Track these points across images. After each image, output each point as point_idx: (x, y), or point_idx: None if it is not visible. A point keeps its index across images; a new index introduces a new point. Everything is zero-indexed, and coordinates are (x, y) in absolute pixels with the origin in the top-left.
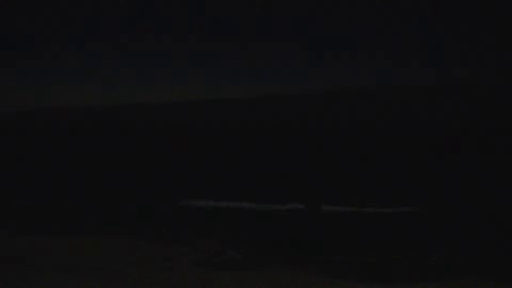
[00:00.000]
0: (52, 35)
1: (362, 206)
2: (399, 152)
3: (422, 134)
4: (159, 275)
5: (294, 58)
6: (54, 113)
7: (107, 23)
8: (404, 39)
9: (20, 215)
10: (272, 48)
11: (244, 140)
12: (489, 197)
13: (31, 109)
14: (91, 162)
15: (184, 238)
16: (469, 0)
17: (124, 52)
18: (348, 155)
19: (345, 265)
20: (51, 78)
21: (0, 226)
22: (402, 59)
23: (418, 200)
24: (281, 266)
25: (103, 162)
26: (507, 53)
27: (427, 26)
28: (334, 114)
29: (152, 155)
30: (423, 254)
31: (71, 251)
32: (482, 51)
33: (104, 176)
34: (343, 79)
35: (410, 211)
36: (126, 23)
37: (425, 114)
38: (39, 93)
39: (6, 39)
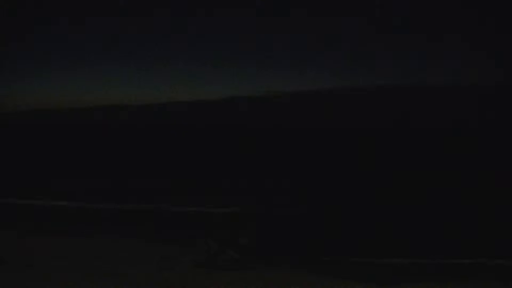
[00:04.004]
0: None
1: (363, 205)
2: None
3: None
4: (159, 275)
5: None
6: (55, 112)
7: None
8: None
9: (20, 215)
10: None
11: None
12: (491, 197)
13: (31, 109)
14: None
15: (184, 238)
16: None
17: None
18: (350, 155)
19: (345, 265)
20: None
21: (0, 226)
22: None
23: (417, 200)
24: (281, 266)
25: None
26: None
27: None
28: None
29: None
30: (423, 254)
31: (71, 251)
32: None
33: (106, 176)
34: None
35: (409, 211)
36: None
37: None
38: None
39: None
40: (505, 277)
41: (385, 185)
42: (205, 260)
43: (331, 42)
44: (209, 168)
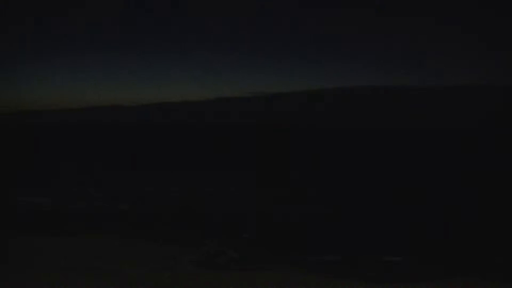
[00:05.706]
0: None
1: (362, 206)
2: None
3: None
4: (159, 275)
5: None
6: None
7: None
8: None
9: (20, 215)
10: None
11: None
12: (491, 197)
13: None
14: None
15: (184, 238)
16: None
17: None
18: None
19: (345, 265)
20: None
21: (0, 226)
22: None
23: (419, 200)
24: (281, 266)
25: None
26: None
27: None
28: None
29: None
30: (422, 254)
31: (71, 251)
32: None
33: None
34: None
35: (409, 211)
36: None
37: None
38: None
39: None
40: (505, 277)
41: (384, 185)
42: (205, 260)
43: (314, 43)
44: (207, 167)
